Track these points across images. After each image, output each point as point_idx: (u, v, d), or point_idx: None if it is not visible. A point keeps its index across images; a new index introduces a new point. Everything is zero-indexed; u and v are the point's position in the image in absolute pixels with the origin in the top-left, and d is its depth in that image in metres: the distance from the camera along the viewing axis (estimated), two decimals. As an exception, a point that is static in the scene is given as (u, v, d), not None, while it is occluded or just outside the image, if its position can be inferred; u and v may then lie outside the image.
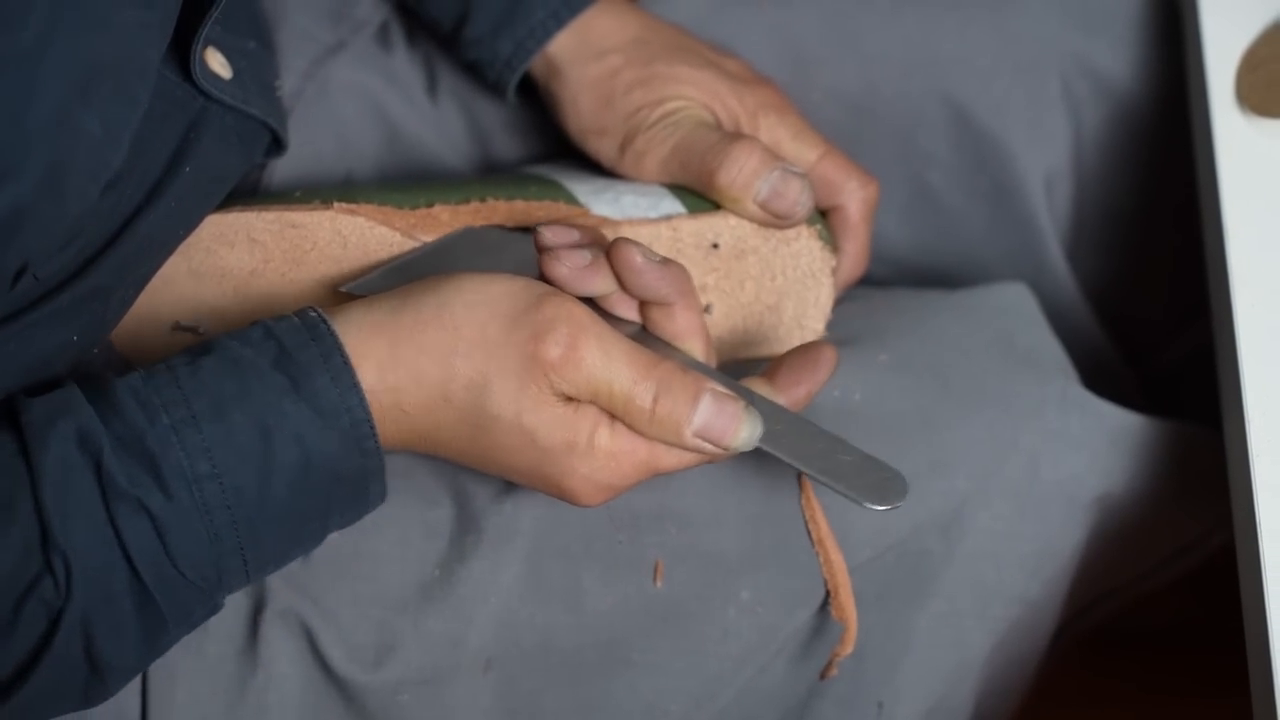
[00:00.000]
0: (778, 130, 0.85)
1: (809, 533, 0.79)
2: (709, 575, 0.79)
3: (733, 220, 0.82)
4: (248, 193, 0.86)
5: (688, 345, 0.73)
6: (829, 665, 0.81)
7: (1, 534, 0.64)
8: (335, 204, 0.79)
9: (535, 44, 0.84)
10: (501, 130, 0.92)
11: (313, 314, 0.69)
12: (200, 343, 0.69)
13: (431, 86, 0.92)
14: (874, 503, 0.67)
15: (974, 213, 0.96)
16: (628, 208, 0.82)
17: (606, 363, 0.67)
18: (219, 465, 0.66)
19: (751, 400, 0.71)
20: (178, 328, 0.80)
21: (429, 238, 0.79)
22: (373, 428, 0.68)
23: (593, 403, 0.69)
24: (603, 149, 0.85)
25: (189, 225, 0.76)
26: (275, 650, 0.77)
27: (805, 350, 0.73)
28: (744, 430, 0.68)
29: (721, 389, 0.68)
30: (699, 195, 0.83)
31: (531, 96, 0.89)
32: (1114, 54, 0.94)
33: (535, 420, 0.68)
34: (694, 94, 0.84)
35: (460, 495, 0.79)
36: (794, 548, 0.80)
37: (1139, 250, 0.99)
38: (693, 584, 0.79)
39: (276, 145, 0.83)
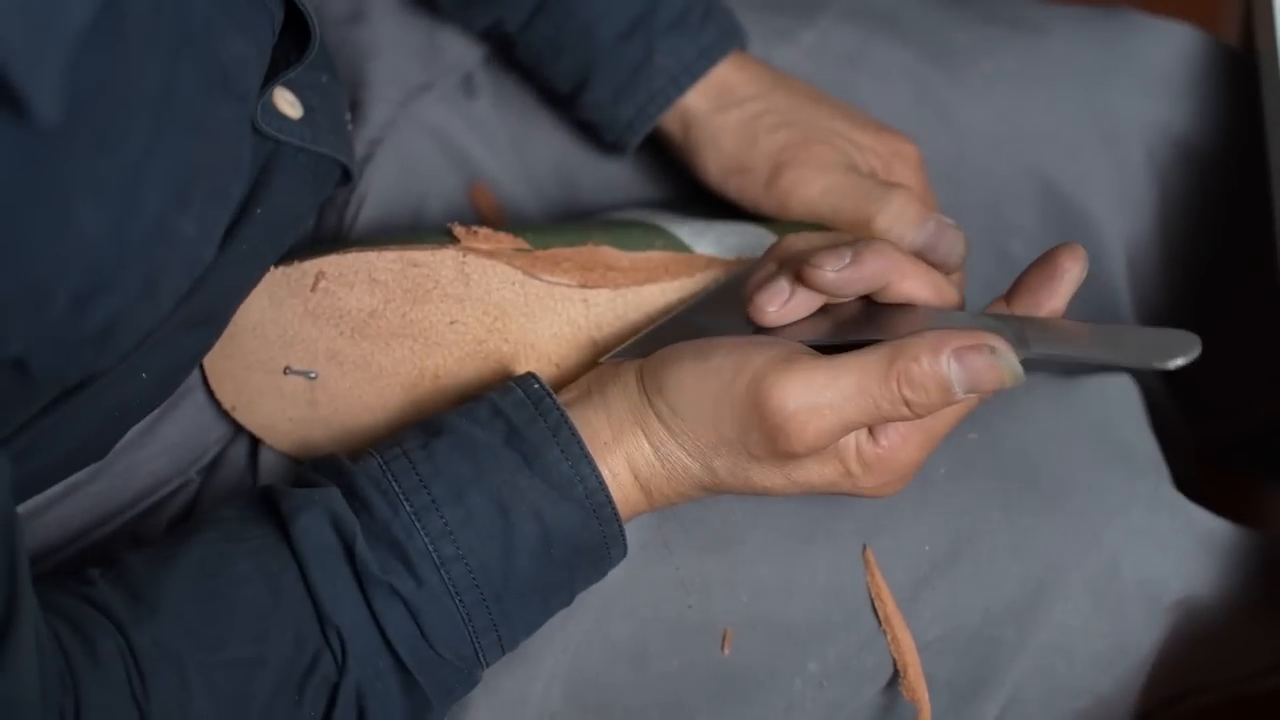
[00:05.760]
0: (910, 181, 0.87)
1: (875, 610, 0.79)
2: (777, 645, 0.79)
3: None
4: (330, 237, 0.89)
5: (922, 301, 0.72)
6: (906, 749, 0.81)
7: (278, 617, 0.67)
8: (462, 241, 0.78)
9: (657, 109, 0.87)
10: (593, 182, 0.94)
11: (536, 386, 0.71)
12: (426, 422, 0.72)
13: (523, 137, 0.94)
14: (1161, 363, 0.65)
15: None
16: (734, 248, 0.82)
17: (843, 418, 0.68)
18: (463, 546, 0.68)
19: (1002, 329, 0.69)
20: (289, 371, 0.80)
21: (549, 277, 0.78)
22: (608, 495, 0.70)
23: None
24: (746, 185, 0.86)
25: (262, 267, 0.77)
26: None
27: (1040, 267, 0.71)
28: (1006, 376, 0.67)
29: (964, 341, 0.67)
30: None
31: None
32: (1196, 121, 0.95)
33: (804, 476, 0.71)
34: (839, 142, 0.85)
35: None
36: (863, 623, 0.80)
37: (1224, 314, 0.98)
38: (760, 653, 0.79)
39: (345, 177, 0.83)
